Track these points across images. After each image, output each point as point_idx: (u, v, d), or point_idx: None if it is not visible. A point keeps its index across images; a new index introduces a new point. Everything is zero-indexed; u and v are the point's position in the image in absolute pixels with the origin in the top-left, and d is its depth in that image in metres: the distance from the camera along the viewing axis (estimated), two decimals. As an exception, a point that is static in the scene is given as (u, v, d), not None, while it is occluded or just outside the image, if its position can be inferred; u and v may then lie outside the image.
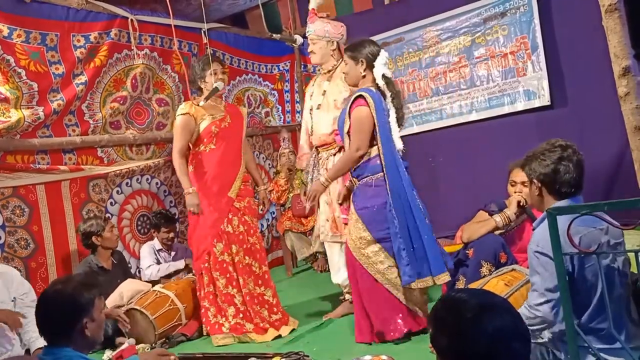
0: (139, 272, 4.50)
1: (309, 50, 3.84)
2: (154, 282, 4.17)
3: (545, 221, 1.81)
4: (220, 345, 3.53)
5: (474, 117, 5.44)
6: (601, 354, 1.91)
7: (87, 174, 4.30)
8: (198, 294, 3.74)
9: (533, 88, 5.07)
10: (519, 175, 3.13)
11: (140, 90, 4.66)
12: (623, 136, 4.19)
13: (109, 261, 4.05)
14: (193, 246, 3.81)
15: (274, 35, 3.64)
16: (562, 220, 1.71)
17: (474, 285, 2.78)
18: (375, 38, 5.88)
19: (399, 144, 3.20)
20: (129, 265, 4.45)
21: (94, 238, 3.94)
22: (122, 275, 4.08)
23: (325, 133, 3.73)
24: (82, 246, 4.04)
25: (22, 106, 3.89)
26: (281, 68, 6.15)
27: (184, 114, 3.76)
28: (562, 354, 2.06)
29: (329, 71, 3.79)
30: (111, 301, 3.73)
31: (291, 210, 5.40)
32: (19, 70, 3.87)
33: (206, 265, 3.68)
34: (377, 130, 3.13)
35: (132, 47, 4.56)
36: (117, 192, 4.54)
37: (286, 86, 6.21)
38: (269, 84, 6.02)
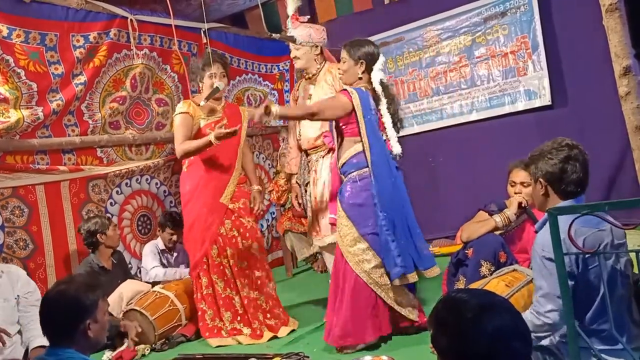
0: (140, 272, 4.49)
1: (292, 55, 3.78)
2: (153, 283, 4.16)
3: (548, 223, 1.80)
4: (219, 346, 3.52)
5: (474, 117, 5.44)
6: (603, 355, 1.90)
7: (87, 174, 4.30)
8: (195, 296, 3.71)
9: (534, 88, 5.07)
10: (519, 176, 3.12)
11: (139, 90, 4.65)
12: (623, 136, 4.19)
13: (109, 261, 4.05)
14: (189, 248, 3.78)
15: (273, 35, 3.61)
16: (564, 221, 1.70)
17: (475, 285, 2.77)
18: (375, 38, 5.92)
19: (397, 149, 3.18)
20: (130, 265, 4.44)
21: (98, 236, 3.94)
22: (122, 276, 4.07)
23: (314, 137, 3.71)
24: (84, 245, 4.02)
25: (22, 106, 3.88)
26: (281, 68, 6.15)
27: (182, 113, 3.72)
28: (564, 356, 2.05)
29: (313, 75, 3.77)
30: (111, 302, 3.72)
31: (291, 210, 5.39)
32: (18, 70, 3.87)
33: (205, 267, 3.66)
34: (363, 126, 3.09)
35: (132, 47, 4.55)
36: (117, 192, 4.54)
37: (286, 86, 6.20)
38: (269, 84, 6.02)
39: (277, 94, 6.08)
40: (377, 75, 3.17)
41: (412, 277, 3.06)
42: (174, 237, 4.48)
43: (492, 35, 5.28)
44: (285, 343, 3.42)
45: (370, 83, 3.20)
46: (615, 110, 4.18)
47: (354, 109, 3.08)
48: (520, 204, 3.08)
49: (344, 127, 3.18)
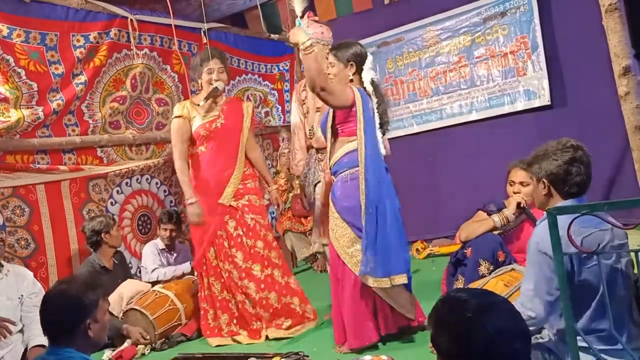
0: (139, 272, 4.49)
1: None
2: (154, 282, 4.16)
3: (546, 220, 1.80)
4: (219, 345, 3.52)
5: (473, 117, 5.45)
6: (602, 355, 1.91)
7: (87, 174, 4.29)
8: (199, 294, 3.73)
9: (533, 88, 5.08)
10: (518, 176, 3.13)
11: (139, 90, 4.66)
12: (623, 136, 4.20)
13: (110, 261, 4.06)
14: (194, 247, 3.79)
15: (272, 35, 3.62)
16: (564, 221, 1.70)
17: (474, 285, 2.77)
18: (375, 38, 5.94)
19: (383, 151, 3.17)
20: (130, 265, 4.45)
21: (102, 235, 3.95)
22: (123, 276, 4.08)
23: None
24: (87, 244, 4.04)
25: (22, 106, 3.89)
26: (281, 68, 6.15)
27: (176, 117, 3.72)
28: (563, 355, 2.05)
29: None
30: (111, 301, 3.73)
31: (291, 210, 5.40)
32: (19, 70, 3.87)
33: (204, 268, 3.67)
34: (362, 124, 3.07)
35: (132, 47, 4.56)
36: (117, 192, 4.54)
37: (286, 86, 6.21)
38: (269, 84, 6.02)
39: (277, 94, 6.09)
40: (367, 75, 3.16)
41: (381, 283, 2.98)
42: (169, 233, 4.41)
43: (492, 36, 5.29)
44: (285, 343, 3.42)
45: (362, 83, 3.20)
46: (614, 110, 4.18)
47: (353, 106, 3.07)
48: (519, 204, 3.08)
49: (339, 126, 3.17)
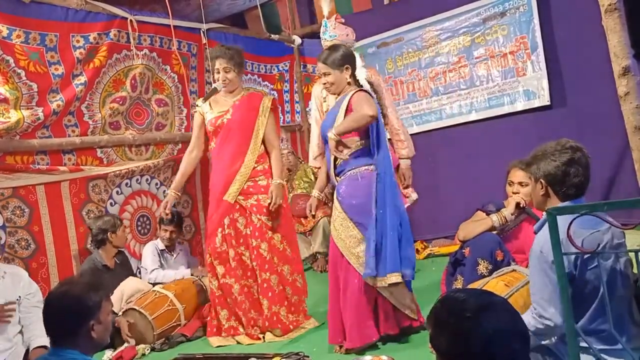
0: (139, 272, 4.49)
1: None
2: (153, 284, 4.16)
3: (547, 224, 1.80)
4: (219, 346, 3.52)
5: (473, 117, 5.45)
6: (602, 355, 1.91)
7: (87, 175, 4.29)
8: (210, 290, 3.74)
9: (533, 88, 5.08)
10: (517, 176, 3.13)
11: (139, 91, 4.66)
12: (623, 136, 4.19)
13: (112, 260, 4.08)
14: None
15: (273, 35, 3.62)
16: (563, 221, 1.70)
17: (474, 285, 2.77)
18: (374, 38, 5.94)
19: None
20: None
21: (109, 234, 3.98)
22: (125, 276, 4.08)
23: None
24: (91, 241, 4.07)
25: (22, 107, 3.89)
26: (280, 68, 6.15)
27: (196, 112, 3.80)
28: (563, 356, 2.05)
29: None
30: (112, 299, 3.73)
31: (291, 210, 5.40)
32: (19, 70, 3.87)
33: (209, 263, 3.68)
34: (375, 124, 3.09)
35: (132, 48, 4.56)
36: (117, 192, 4.54)
37: (285, 86, 6.21)
38: (269, 84, 6.02)
39: (276, 95, 6.09)
40: (361, 73, 3.16)
41: (381, 282, 3.01)
42: (168, 235, 4.41)
43: (491, 36, 5.29)
44: (285, 343, 3.42)
45: (358, 83, 3.19)
46: (614, 111, 4.18)
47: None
48: (518, 204, 3.08)
49: None
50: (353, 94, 3.11)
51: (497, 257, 2.95)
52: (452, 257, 3.20)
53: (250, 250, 3.59)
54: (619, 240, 2.08)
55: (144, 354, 3.55)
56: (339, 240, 3.11)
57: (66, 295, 2.01)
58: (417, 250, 5.27)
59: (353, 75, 3.19)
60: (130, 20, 4.52)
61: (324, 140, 3.28)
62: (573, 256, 1.91)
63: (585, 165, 2.08)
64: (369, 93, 3.14)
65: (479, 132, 5.41)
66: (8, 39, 3.84)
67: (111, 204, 4.49)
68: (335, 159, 3.20)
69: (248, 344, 3.49)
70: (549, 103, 4.99)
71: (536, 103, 5.06)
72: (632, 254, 1.91)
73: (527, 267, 2.72)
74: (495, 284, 2.67)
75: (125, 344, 3.55)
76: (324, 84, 3.23)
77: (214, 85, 3.73)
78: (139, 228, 4.72)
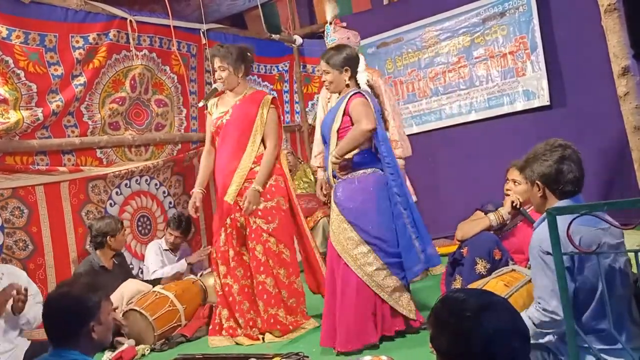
0: (142, 272, 4.50)
1: None
2: (154, 283, 4.16)
3: (546, 221, 1.80)
4: (219, 346, 3.52)
5: (473, 117, 5.45)
6: (602, 355, 1.91)
7: (86, 175, 4.29)
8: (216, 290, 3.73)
9: (532, 88, 5.08)
10: (512, 174, 3.13)
11: (139, 91, 4.66)
12: (623, 136, 4.19)
13: (110, 261, 4.07)
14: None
15: (273, 35, 3.62)
16: (562, 221, 1.70)
17: (474, 285, 2.77)
18: (374, 38, 5.94)
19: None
20: (131, 265, 4.45)
21: (108, 237, 3.97)
22: (123, 277, 4.07)
23: None
24: (90, 242, 4.06)
25: (21, 107, 3.88)
26: (280, 68, 6.15)
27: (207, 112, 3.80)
28: (563, 355, 2.05)
29: None
30: (113, 301, 3.72)
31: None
32: (18, 71, 3.87)
33: (214, 262, 3.68)
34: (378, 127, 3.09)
35: (131, 48, 4.56)
36: (117, 193, 4.54)
37: (285, 86, 6.21)
38: (268, 85, 6.02)
39: (276, 95, 6.09)
40: (363, 77, 3.17)
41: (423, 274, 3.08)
42: (175, 239, 4.47)
43: (491, 36, 5.29)
44: (285, 343, 3.42)
45: (358, 85, 3.19)
46: (614, 111, 4.18)
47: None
48: (512, 203, 3.06)
49: (344, 129, 3.15)
50: (350, 97, 3.12)
51: (495, 256, 2.94)
52: (450, 257, 3.19)
53: (248, 251, 3.60)
54: (618, 240, 2.08)
55: (143, 355, 3.54)
56: (336, 243, 3.11)
57: (66, 296, 2.01)
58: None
59: (353, 78, 3.19)
60: (130, 21, 4.52)
61: (324, 140, 3.28)
62: (571, 254, 1.91)
63: (577, 160, 2.10)
64: (367, 96, 3.13)
65: (478, 132, 5.41)
66: (7, 39, 3.84)
67: (111, 204, 4.49)
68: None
69: (248, 345, 3.48)
70: (548, 103, 4.99)
71: (536, 103, 5.07)
72: (631, 254, 1.91)
73: (526, 266, 2.72)
74: (495, 284, 2.66)
75: (125, 345, 3.54)
76: (323, 81, 3.25)
77: (213, 85, 3.73)
78: (140, 228, 4.72)
